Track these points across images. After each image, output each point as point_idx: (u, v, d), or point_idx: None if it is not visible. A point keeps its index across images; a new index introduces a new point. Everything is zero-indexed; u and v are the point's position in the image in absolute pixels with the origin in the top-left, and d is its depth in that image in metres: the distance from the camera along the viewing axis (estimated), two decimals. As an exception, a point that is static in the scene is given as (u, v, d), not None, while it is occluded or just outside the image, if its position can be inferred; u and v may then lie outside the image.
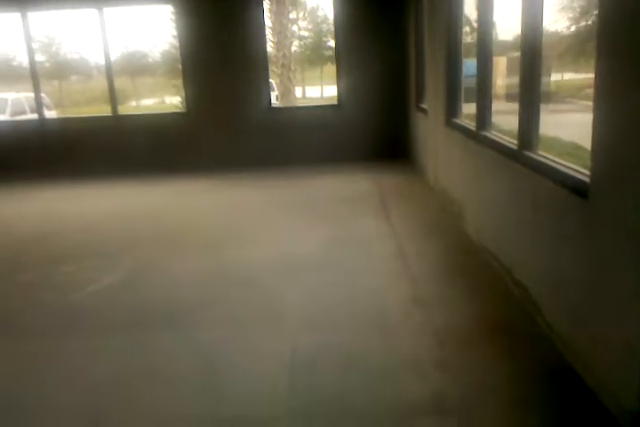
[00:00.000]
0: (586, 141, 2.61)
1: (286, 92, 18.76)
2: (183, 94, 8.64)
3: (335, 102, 8.74)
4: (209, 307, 3.73)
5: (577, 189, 2.66)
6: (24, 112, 12.58)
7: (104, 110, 9.39)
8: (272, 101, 8.89)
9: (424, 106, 7.20)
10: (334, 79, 8.84)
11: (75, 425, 2.56)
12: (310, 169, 8.22)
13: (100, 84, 15.26)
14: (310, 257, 4.60)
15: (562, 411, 2.50)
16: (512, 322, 3.35)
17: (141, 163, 8.45)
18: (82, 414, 2.64)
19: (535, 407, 2.53)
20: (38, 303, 3.96)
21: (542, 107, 3.47)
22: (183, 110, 8.66)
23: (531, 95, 3.43)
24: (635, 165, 2.15)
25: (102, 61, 8.68)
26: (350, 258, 4.56)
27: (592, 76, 2.47)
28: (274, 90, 17.68)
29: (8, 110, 12.69)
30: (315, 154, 8.53)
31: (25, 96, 12.89)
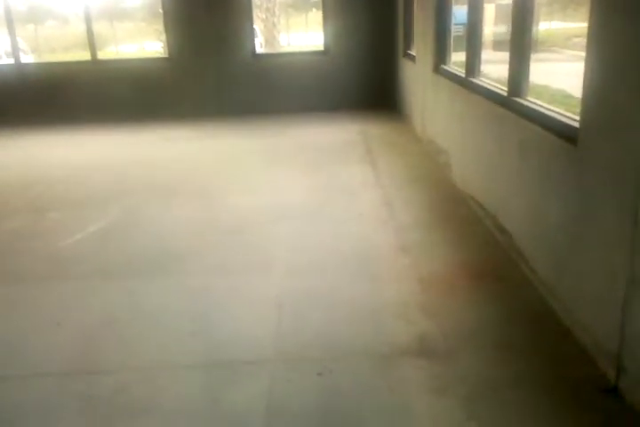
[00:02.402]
0: (575, 90, 2.59)
1: (270, 38, 18.28)
2: (165, 39, 8.38)
3: (321, 49, 8.55)
4: (198, 254, 3.74)
5: (566, 135, 2.65)
6: (-1, 57, 12.15)
7: (83, 57, 9.09)
8: (256, 48, 8.66)
9: (412, 53, 7.07)
10: (320, 26, 8.62)
11: (64, 368, 2.60)
12: (296, 117, 8.11)
13: (78, 29, 14.70)
14: (297, 206, 4.60)
15: (543, 353, 2.57)
16: (496, 268, 3.41)
17: (125, 109, 8.26)
18: (71, 356, 2.68)
19: (517, 349, 2.60)
20: (24, 250, 3.94)
21: (532, 55, 3.42)
22: (166, 56, 8.41)
23: (522, 41, 3.37)
24: (623, 113, 2.14)
25: (80, 5, 8.34)
26: (337, 206, 4.57)
27: (580, 25, 2.43)
28: (257, 36, 17.20)
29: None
30: (301, 102, 8.40)
31: (-2, 40, 12.39)
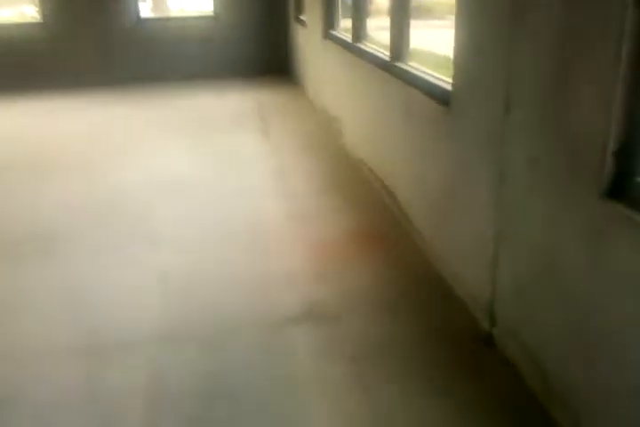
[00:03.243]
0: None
1: (160, 1, 17.44)
2: (37, 2, 7.74)
3: (211, 14, 8.25)
4: (76, 233, 3.54)
5: (441, 98, 2.72)
6: None
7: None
8: (141, 12, 8.21)
9: (303, 18, 6.97)
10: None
11: None
12: (186, 86, 7.81)
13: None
14: (187, 177, 4.46)
15: (425, 310, 2.67)
16: (384, 231, 3.49)
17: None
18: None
19: (401, 309, 2.69)
20: None
21: (421, 23, 3.46)
22: (40, 21, 7.79)
23: (401, 6, 3.39)
24: (483, 77, 2.22)
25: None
26: (228, 177, 4.48)
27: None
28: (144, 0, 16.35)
29: None
30: (190, 70, 8.10)
31: None
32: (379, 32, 5.14)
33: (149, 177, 4.48)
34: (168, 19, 10.73)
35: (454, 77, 2.53)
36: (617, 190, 1.60)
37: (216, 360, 2.36)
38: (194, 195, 4.13)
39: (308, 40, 6.59)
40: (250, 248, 3.31)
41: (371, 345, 2.43)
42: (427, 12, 6.68)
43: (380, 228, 3.53)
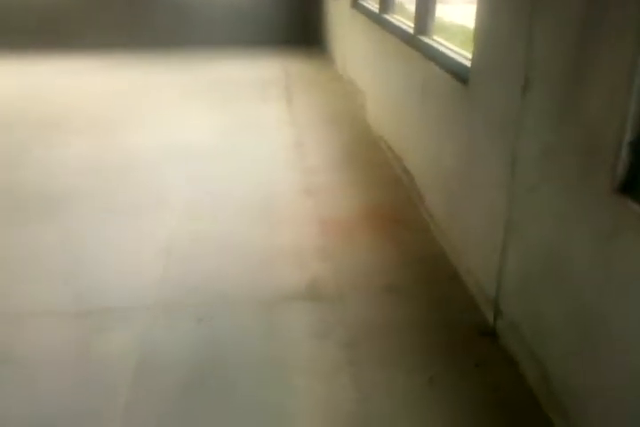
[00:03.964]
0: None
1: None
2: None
3: (243, -21, 8.05)
4: (85, 195, 3.52)
5: (459, 75, 2.58)
6: None
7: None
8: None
9: (335, -14, 6.75)
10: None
11: None
12: (215, 51, 7.68)
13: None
14: (204, 144, 4.41)
15: (429, 296, 2.58)
16: (397, 211, 3.39)
17: (22, 38, 7.53)
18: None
19: (405, 293, 2.61)
20: None
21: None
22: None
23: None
24: (503, 55, 2.09)
25: None
26: (246, 146, 4.41)
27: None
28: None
29: None
30: (221, 35, 7.94)
31: None
32: (412, 4, 4.94)
33: (164, 143, 4.43)
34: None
35: (474, 54, 2.39)
36: (631, 185, 1.48)
37: (210, 333, 2.32)
38: (208, 163, 4.07)
39: (337, 9, 6.39)
40: (259, 221, 3.25)
41: (368, 329, 2.36)
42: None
43: (395, 208, 3.43)
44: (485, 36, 2.28)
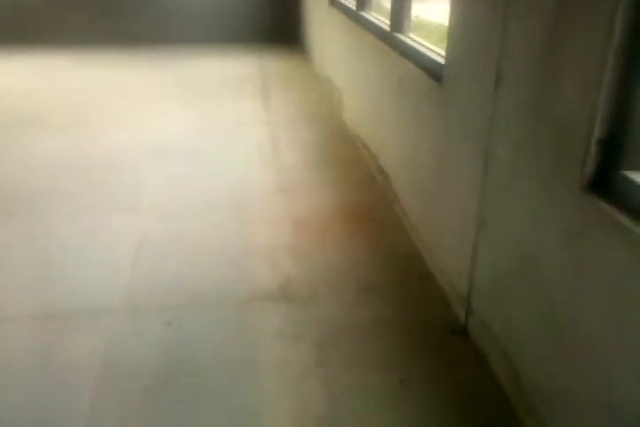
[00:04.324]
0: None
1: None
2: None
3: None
4: (56, 195, 3.44)
5: (434, 72, 2.56)
6: None
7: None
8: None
9: (313, -17, 6.71)
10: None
11: None
12: (191, 48, 7.57)
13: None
14: (178, 143, 4.34)
15: (402, 296, 2.56)
16: (371, 210, 3.36)
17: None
18: None
19: (378, 292, 2.57)
20: None
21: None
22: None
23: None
24: (475, 52, 2.06)
25: None
26: (221, 145, 4.35)
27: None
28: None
29: None
30: (197, 32, 7.84)
31: None
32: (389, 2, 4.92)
33: (140, 141, 4.35)
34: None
35: (447, 51, 2.37)
36: (599, 183, 1.46)
37: (179, 335, 2.27)
38: (183, 161, 4.01)
39: (316, 7, 6.35)
40: (232, 219, 3.21)
41: (340, 329, 2.33)
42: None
43: (369, 207, 3.40)
44: (459, 32, 2.26)
